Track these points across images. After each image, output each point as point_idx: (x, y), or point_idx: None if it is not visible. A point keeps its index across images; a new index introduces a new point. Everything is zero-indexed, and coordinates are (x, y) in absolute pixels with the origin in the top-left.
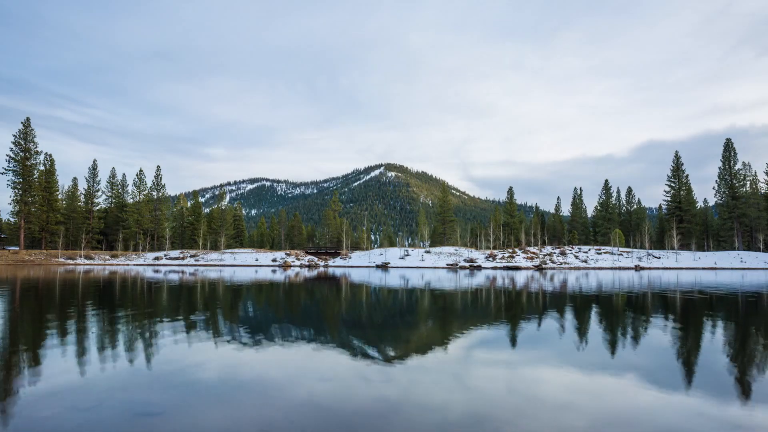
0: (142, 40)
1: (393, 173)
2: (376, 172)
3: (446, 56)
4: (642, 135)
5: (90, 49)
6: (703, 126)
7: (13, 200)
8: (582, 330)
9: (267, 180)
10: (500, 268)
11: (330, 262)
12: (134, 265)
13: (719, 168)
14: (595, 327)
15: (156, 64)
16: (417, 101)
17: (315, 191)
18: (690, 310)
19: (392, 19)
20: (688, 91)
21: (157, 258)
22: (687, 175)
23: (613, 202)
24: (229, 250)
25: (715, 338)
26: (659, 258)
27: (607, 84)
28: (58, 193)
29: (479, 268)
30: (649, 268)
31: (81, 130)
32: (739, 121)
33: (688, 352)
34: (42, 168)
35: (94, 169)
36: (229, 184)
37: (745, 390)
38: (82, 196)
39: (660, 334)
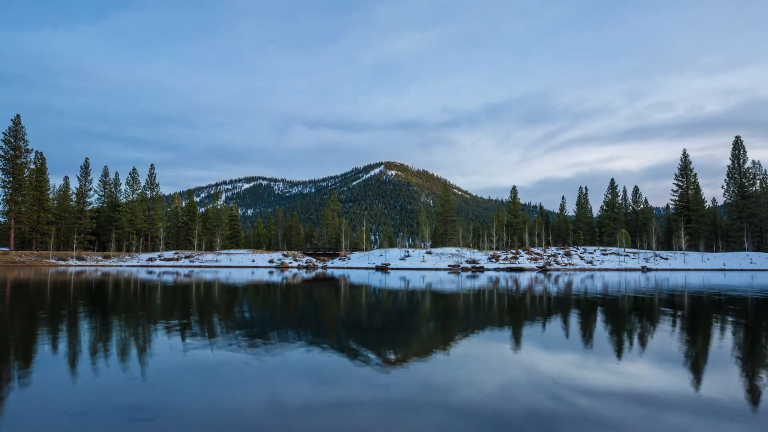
0: (204, 141)
1: (393, 172)
2: (376, 170)
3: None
4: (539, 173)
5: (183, 146)
6: (574, 170)
7: (2, 200)
8: (585, 334)
9: (264, 179)
10: (503, 269)
11: (328, 264)
12: (127, 266)
13: (728, 167)
14: (601, 333)
15: (212, 156)
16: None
17: (313, 190)
18: (700, 313)
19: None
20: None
21: (150, 259)
22: (695, 174)
23: (619, 201)
24: (225, 251)
25: (724, 343)
26: (667, 259)
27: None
28: (49, 192)
29: (482, 269)
30: (657, 270)
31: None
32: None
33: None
34: (33, 167)
35: (86, 168)
36: (224, 182)
37: None
38: (74, 195)
39: (670, 339)
